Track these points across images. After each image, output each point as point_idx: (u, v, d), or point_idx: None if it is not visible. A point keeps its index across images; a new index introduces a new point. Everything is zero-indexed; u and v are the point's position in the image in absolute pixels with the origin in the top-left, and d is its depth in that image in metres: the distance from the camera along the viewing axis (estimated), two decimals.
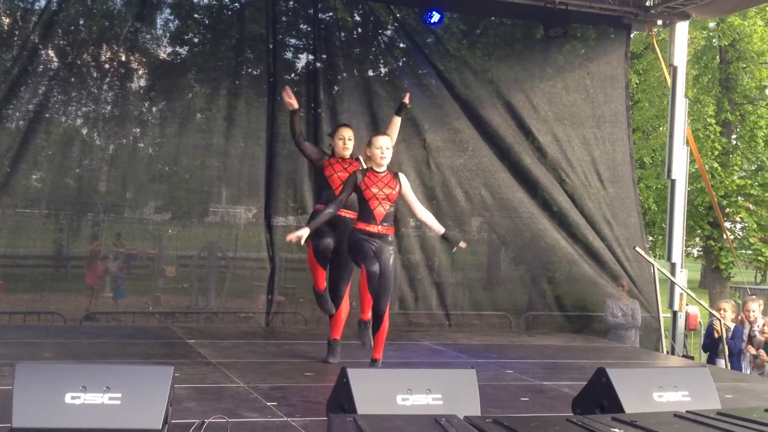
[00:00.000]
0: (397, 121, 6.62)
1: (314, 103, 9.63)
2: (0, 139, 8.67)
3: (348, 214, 6.25)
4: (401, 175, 6.18)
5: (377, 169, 6.02)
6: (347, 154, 6.45)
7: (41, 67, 8.92)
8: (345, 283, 6.54)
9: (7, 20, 8.94)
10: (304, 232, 5.93)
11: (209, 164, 9.46)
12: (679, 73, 9.89)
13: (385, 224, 6.04)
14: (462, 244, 6.26)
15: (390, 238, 6.11)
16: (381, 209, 6.00)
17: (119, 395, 3.48)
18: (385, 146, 6.00)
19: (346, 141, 6.43)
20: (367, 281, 6.02)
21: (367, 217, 6.01)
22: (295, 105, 6.42)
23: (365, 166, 6.25)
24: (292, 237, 5.96)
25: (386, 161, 6.02)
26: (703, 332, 9.63)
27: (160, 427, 3.47)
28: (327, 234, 6.30)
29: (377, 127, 9.61)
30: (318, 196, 6.71)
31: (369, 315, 6.29)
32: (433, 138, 9.90)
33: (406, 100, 6.63)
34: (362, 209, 6.05)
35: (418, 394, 4.10)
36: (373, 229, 6.00)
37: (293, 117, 6.52)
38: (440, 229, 6.25)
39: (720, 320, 8.42)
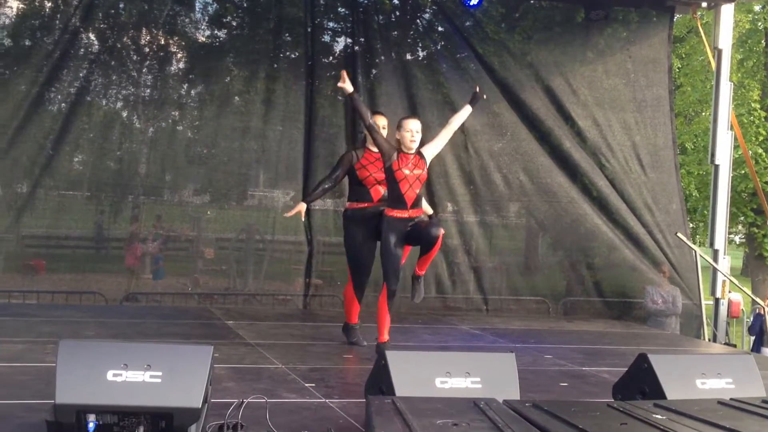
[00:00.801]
0: (467, 110, 6.27)
1: (353, 87, 9.59)
2: (42, 122, 8.78)
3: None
4: (423, 150, 6.02)
5: (406, 152, 5.94)
6: (414, 146, 6.13)
7: (82, 50, 9.02)
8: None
9: (49, 4, 9.04)
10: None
11: (247, 147, 9.50)
12: (724, 56, 9.68)
13: (414, 208, 5.98)
14: (477, 89, 6.16)
15: (422, 218, 6.03)
16: (411, 192, 5.93)
17: (160, 373, 3.50)
18: (415, 129, 5.91)
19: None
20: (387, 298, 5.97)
21: (397, 202, 5.93)
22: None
23: None
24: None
25: (416, 145, 5.93)
26: (746, 320, 9.48)
27: (200, 406, 3.49)
28: (367, 268, 6.27)
29: (415, 111, 9.58)
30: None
31: (386, 337, 6.08)
32: (471, 122, 9.78)
33: (478, 89, 6.31)
34: (392, 193, 5.96)
35: (456, 377, 4.07)
36: (404, 214, 5.94)
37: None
38: (467, 107, 6.15)
39: (765, 308, 8.29)
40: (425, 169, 5.99)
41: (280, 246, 9.70)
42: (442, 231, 5.89)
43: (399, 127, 5.99)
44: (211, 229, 9.59)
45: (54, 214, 8.90)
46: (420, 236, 5.91)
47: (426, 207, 6.29)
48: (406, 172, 5.90)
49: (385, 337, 6.05)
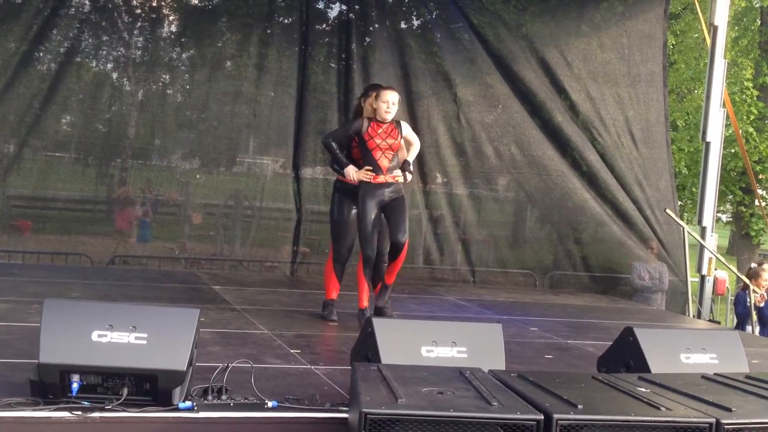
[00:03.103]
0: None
1: (345, 54, 9.54)
2: (31, 81, 8.68)
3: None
4: (403, 123, 6.05)
5: (380, 120, 5.92)
6: (389, 117, 6.01)
7: (72, 9, 8.90)
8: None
9: None
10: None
11: (238, 112, 9.42)
12: (719, 33, 9.63)
13: (391, 174, 5.97)
14: (399, 177, 5.96)
15: (399, 187, 6.01)
16: (384, 160, 5.93)
17: (145, 335, 3.49)
18: (392, 101, 5.88)
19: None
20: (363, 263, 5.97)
21: (373, 170, 5.93)
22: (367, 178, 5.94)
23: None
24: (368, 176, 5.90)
25: (390, 116, 5.90)
26: (730, 298, 9.53)
27: (185, 369, 3.48)
28: (349, 240, 6.21)
29: (408, 80, 9.54)
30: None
31: (365, 303, 6.14)
32: (464, 92, 9.77)
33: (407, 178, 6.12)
34: (366, 162, 5.95)
35: (442, 347, 4.08)
36: (381, 179, 5.93)
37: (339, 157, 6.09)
38: (405, 161, 6.01)
39: (751, 286, 8.34)
40: (399, 139, 5.97)
41: (269, 213, 9.68)
42: (406, 238, 5.94)
43: (376, 96, 5.95)
44: (199, 194, 9.54)
45: (41, 175, 8.82)
46: (389, 231, 5.98)
47: (406, 158, 6.08)
48: (378, 141, 5.89)
49: (364, 303, 6.10)
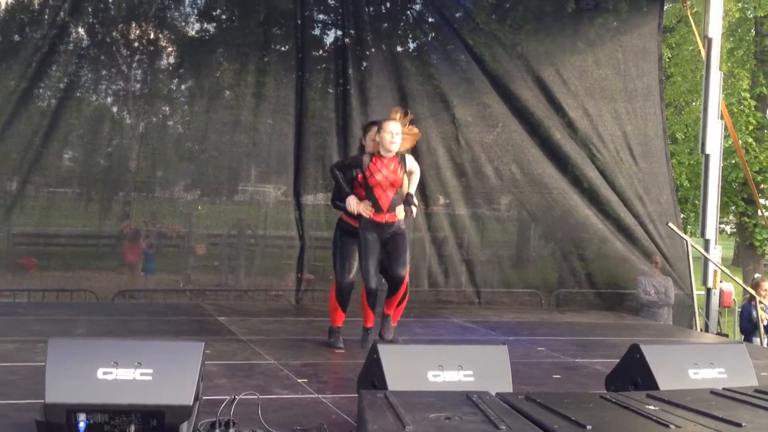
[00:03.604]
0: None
1: (343, 79, 9.59)
2: (31, 118, 8.72)
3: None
4: (407, 156, 5.95)
5: (384, 154, 5.81)
6: (394, 148, 5.92)
7: (71, 45, 8.96)
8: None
9: None
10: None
11: (238, 141, 9.46)
12: (714, 44, 9.67)
13: (390, 212, 5.89)
14: (401, 214, 5.92)
15: (399, 224, 5.94)
16: (386, 198, 5.85)
17: (151, 371, 3.47)
18: (395, 131, 5.76)
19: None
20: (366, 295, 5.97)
21: (374, 207, 5.86)
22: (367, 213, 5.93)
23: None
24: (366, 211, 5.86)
25: (395, 147, 5.79)
26: (737, 310, 9.50)
27: (192, 403, 3.46)
28: (352, 271, 6.19)
29: (406, 103, 9.55)
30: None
31: (371, 324, 6.14)
32: (462, 113, 9.80)
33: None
34: (368, 198, 5.89)
35: (449, 371, 4.06)
36: (381, 219, 5.87)
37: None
38: (408, 194, 5.92)
39: (757, 297, 8.31)
40: (401, 175, 5.85)
41: (272, 241, 9.68)
42: (406, 272, 5.91)
43: (379, 128, 5.88)
44: (202, 224, 9.55)
45: (43, 211, 8.84)
46: (389, 265, 5.93)
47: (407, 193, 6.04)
48: (378, 177, 5.81)
49: (370, 324, 6.10)
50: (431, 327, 7.64)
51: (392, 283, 6.00)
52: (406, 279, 6.02)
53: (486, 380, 4.03)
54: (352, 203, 5.91)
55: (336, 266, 6.26)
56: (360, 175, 5.94)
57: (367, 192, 5.91)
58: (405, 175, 5.93)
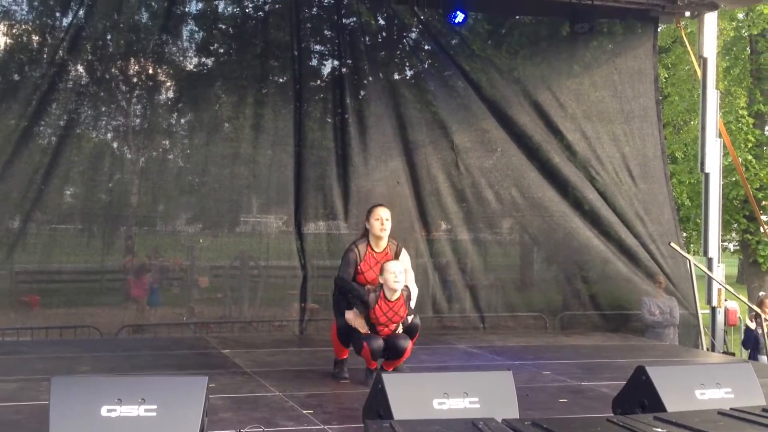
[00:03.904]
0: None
1: (341, 109, 9.64)
2: (32, 156, 8.75)
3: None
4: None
5: (390, 297, 5.72)
6: (385, 235, 6.00)
7: (70, 83, 9.01)
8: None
9: (36, 37, 9.04)
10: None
11: (238, 173, 9.47)
12: (709, 64, 9.74)
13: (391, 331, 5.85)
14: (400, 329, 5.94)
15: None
16: (388, 330, 5.82)
17: (155, 407, 3.47)
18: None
19: (384, 221, 5.94)
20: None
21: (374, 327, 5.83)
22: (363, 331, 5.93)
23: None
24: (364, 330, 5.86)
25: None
26: (743, 328, 9.46)
27: None
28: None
29: (405, 130, 9.62)
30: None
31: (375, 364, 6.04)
32: (461, 139, 9.84)
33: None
34: (370, 329, 5.84)
35: (454, 398, 4.05)
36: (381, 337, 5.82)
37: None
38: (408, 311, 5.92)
39: (761, 315, 8.28)
40: (404, 312, 5.80)
41: (275, 272, 9.67)
42: (410, 344, 5.89)
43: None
44: (204, 257, 9.54)
45: (45, 248, 8.84)
46: (391, 348, 5.86)
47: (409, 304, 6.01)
48: (383, 320, 5.77)
49: (374, 365, 5.99)
50: (436, 354, 7.61)
51: (393, 354, 5.90)
52: (409, 350, 5.92)
53: (492, 406, 4.02)
54: (351, 319, 5.91)
55: (335, 312, 6.22)
56: (361, 277, 5.94)
57: (370, 327, 5.85)
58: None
